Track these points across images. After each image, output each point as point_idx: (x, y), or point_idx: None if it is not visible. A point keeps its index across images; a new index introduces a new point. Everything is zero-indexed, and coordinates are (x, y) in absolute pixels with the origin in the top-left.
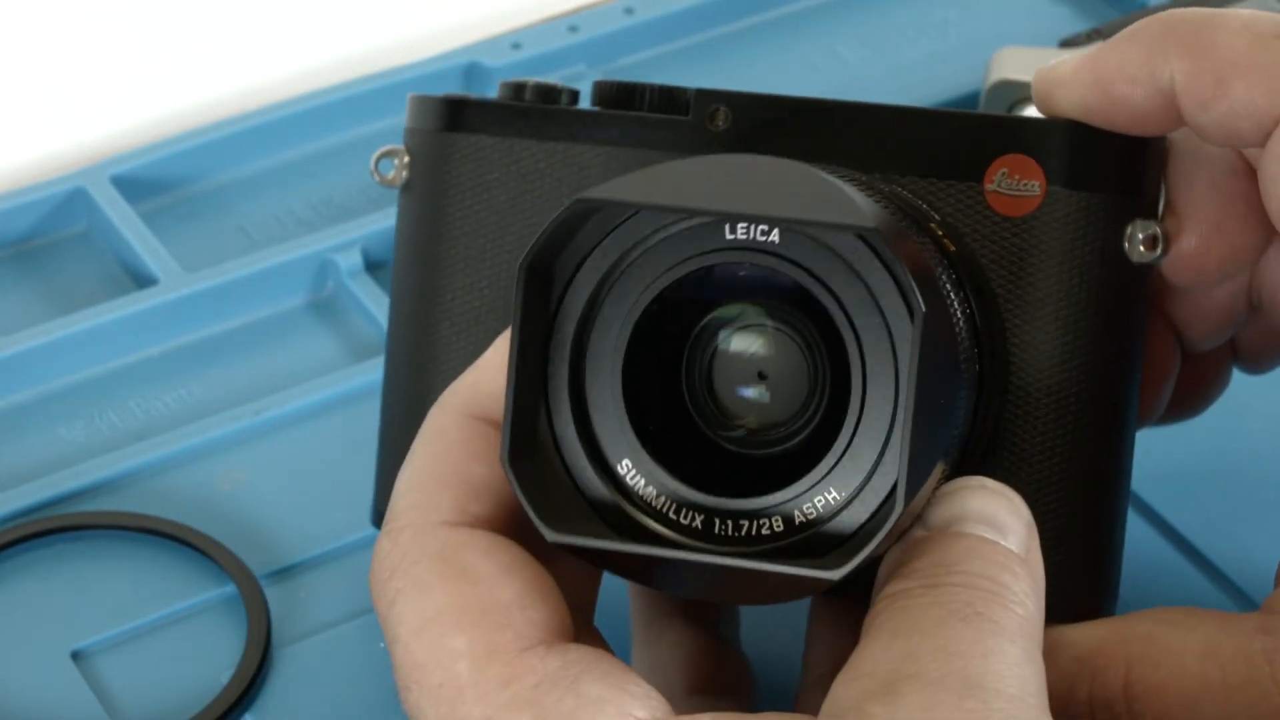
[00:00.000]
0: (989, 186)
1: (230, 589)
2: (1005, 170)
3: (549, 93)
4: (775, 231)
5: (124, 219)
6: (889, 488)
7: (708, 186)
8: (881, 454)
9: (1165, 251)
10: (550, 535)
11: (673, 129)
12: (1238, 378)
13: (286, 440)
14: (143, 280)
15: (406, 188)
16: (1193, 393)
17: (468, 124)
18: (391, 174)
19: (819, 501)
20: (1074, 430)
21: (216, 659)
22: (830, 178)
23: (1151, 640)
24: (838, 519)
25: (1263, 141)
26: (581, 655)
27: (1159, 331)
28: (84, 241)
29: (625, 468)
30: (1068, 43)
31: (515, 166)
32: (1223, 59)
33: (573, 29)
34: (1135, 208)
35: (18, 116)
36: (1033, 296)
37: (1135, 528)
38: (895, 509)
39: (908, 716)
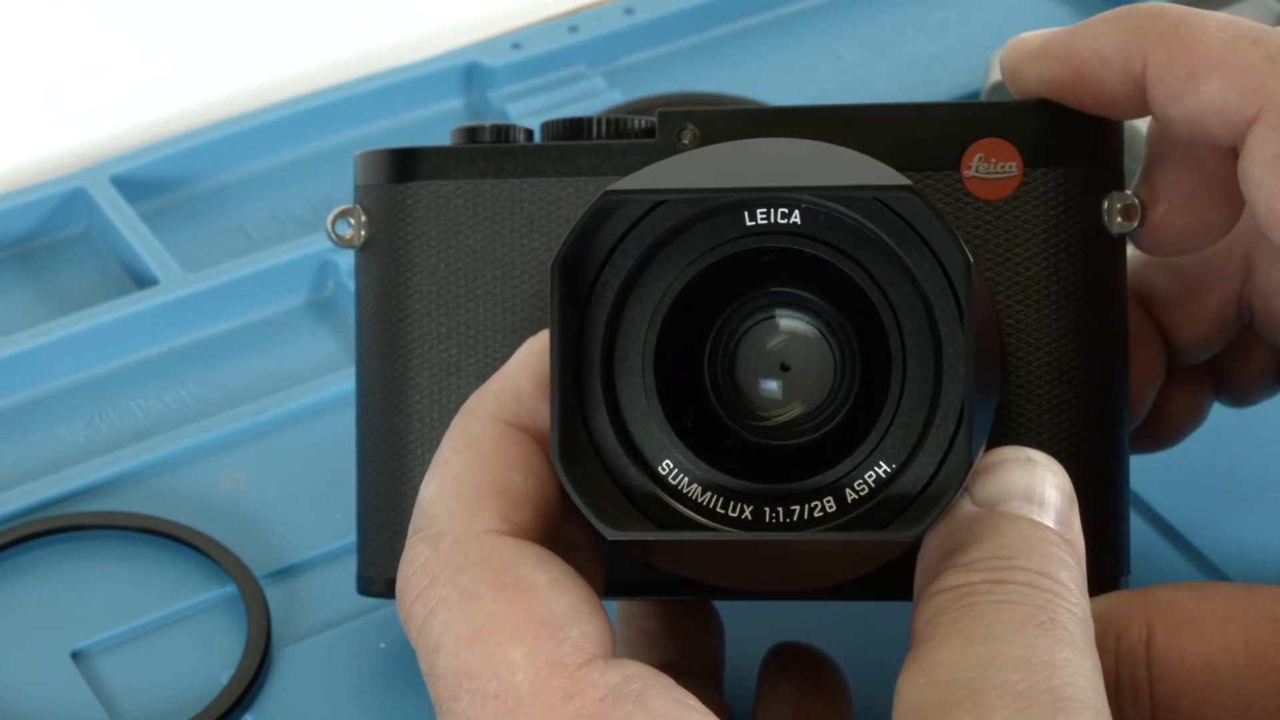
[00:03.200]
0: (966, 173)
1: (230, 589)
2: (981, 155)
3: (505, 133)
4: (796, 214)
5: (124, 219)
6: (940, 453)
7: (734, 170)
8: (928, 421)
9: (1143, 222)
10: (610, 533)
11: (642, 153)
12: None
13: (286, 440)
14: (143, 280)
15: (365, 246)
16: (1168, 420)
17: (425, 171)
18: (349, 233)
19: (870, 476)
20: (1075, 405)
21: (216, 659)
22: (847, 150)
23: (1172, 605)
24: (890, 490)
25: (1231, 140)
26: (639, 670)
27: (1147, 337)
28: (84, 241)
29: (666, 467)
30: None
31: (482, 208)
32: (1198, 56)
33: (573, 29)
34: (1108, 180)
35: (18, 116)
36: (1022, 277)
37: (1134, 525)
38: (972, 460)
39: None
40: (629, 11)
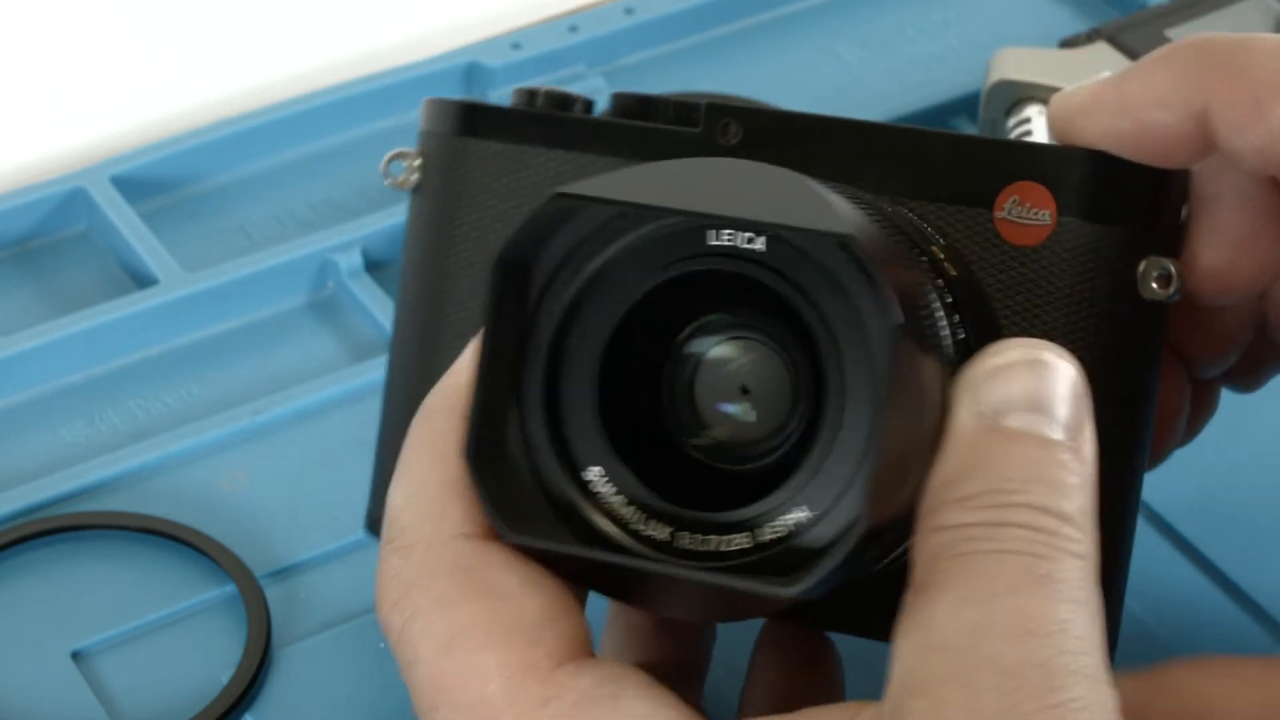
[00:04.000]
0: (999, 214)
1: (230, 589)
2: (1016, 198)
3: (562, 100)
4: (760, 240)
5: (124, 219)
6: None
7: (689, 188)
8: (856, 472)
9: (1179, 290)
10: (507, 535)
11: (682, 141)
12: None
13: (286, 440)
14: (143, 280)
15: (417, 190)
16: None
17: (481, 129)
18: (402, 176)
19: (789, 519)
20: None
21: (216, 659)
22: (817, 186)
23: (1200, 694)
24: (803, 537)
25: None
26: (614, 671)
27: (1169, 367)
28: (84, 241)
29: (595, 474)
30: (1068, 43)
31: (525, 174)
32: (1260, 81)
33: (573, 29)
34: (1150, 243)
35: (18, 116)
36: (1040, 330)
37: (1166, 556)
38: (851, 534)
39: (986, 713)
40: (629, 11)
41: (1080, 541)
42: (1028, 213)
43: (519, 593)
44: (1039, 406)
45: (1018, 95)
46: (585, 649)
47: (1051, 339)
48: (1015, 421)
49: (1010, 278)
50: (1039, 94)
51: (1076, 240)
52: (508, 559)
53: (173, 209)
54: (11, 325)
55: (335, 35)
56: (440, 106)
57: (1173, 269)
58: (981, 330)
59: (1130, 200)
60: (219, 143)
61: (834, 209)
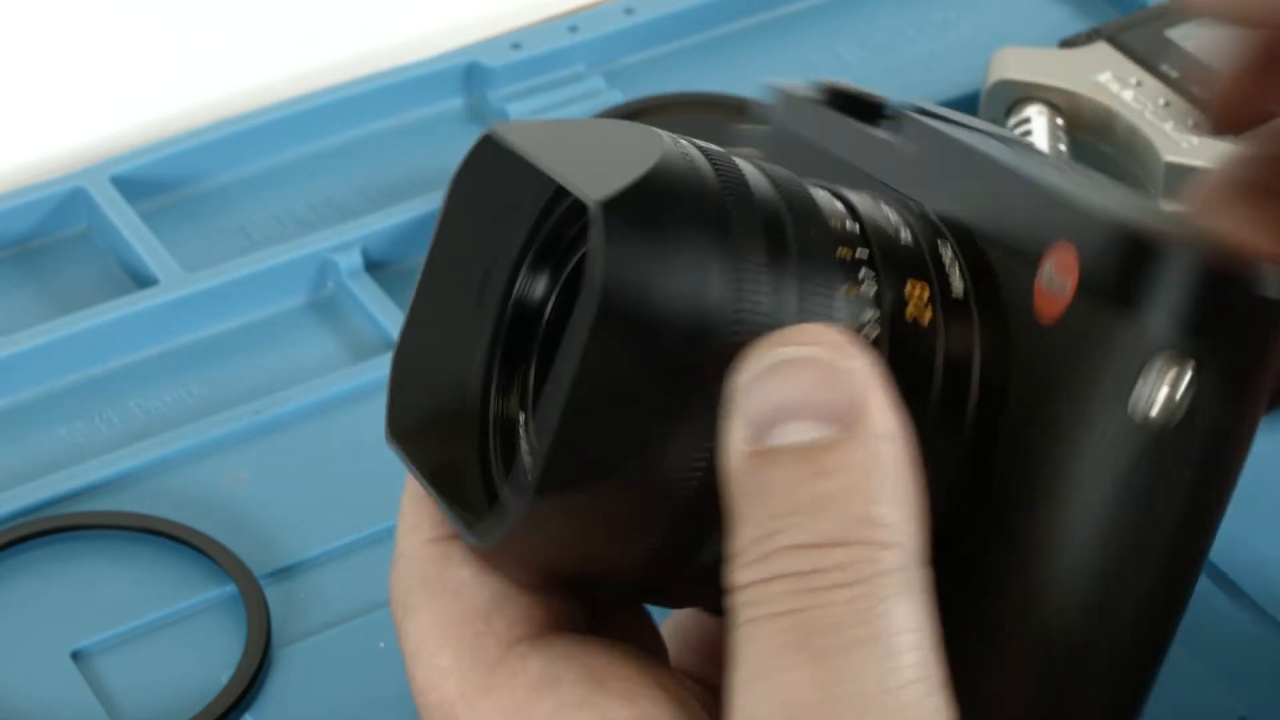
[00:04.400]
0: (1040, 278)
1: (230, 589)
2: (1053, 261)
3: (838, 96)
4: None
5: (124, 219)
6: None
7: (555, 146)
8: None
9: (1193, 418)
10: (388, 436)
11: (864, 144)
12: None
13: (286, 440)
14: (143, 280)
15: None
16: None
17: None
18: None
19: None
20: (1079, 604)
21: (216, 659)
22: (674, 157)
23: None
24: None
25: None
26: (567, 649)
27: None
28: (84, 241)
29: (523, 420)
30: (1068, 43)
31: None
32: None
33: (573, 29)
34: (1170, 339)
35: (18, 116)
36: (1036, 427)
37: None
38: (510, 512)
39: None
40: (629, 11)
41: (859, 564)
42: (1055, 281)
43: (471, 585)
44: (801, 410)
45: (1018, 95)
46: (544, 626)
47: (1041, 443)
48: (779, 437)
49: (1030, 358)
50: (1039, 94)
51: (1082, 323)
52: (465, 553)
53: (173, 209)
54: (11, 325)
55: (335, 35)
56: (782, 94)
57: (1186, 382)
58: (965, 418)
59: (1168, 287)
60: (219, 143)
61: (630, 179)
